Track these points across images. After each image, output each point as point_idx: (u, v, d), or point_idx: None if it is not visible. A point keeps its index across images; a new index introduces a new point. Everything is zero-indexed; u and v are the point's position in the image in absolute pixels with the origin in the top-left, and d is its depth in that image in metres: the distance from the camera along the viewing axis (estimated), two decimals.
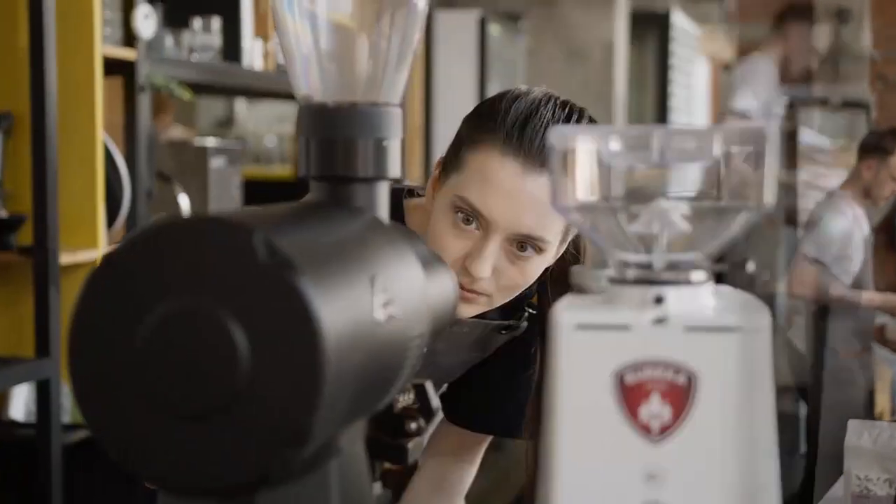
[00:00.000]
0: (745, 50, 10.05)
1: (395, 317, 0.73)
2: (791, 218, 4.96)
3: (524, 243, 1.29)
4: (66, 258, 2.50)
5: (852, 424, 2.07)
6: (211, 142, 3.24)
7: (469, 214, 1.29)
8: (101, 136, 2.59)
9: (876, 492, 2.00)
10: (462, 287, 1.30)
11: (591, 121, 1.38)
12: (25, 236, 2.48)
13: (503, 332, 1.48)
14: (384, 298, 0.72)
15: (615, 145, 0.73)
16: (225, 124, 5.85)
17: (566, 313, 0.72)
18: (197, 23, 3.12)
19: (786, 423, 4.93)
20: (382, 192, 0.85)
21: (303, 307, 0.62)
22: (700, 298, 0.72)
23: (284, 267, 0.62)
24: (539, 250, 1.29)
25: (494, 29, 5.01)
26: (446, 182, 1.32)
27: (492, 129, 1.29)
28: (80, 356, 0.65)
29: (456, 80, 4.71)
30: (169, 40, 3.04)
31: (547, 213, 1.27)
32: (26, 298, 2.49)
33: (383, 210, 0.85)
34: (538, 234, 1.28)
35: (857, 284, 4.39)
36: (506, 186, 1.26)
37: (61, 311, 2.46)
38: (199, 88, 3.32)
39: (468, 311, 1.34)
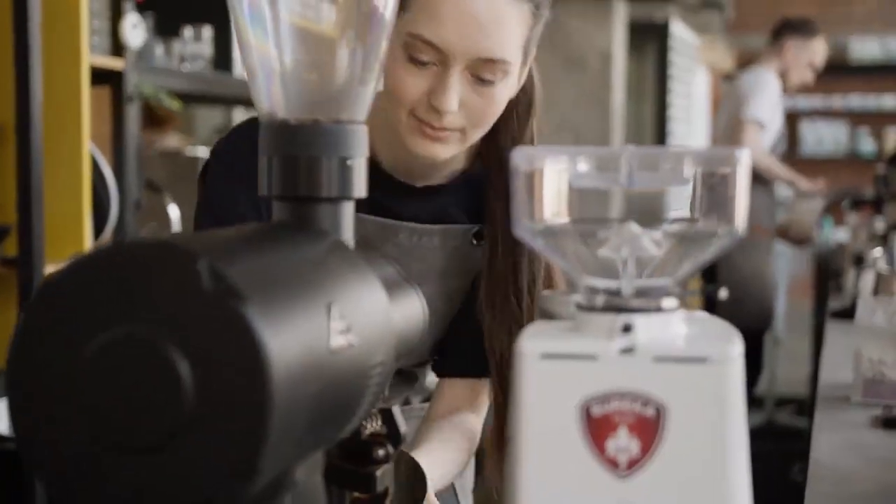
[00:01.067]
0: (744, 60, 10.05)
1: (353, 345, 0.70)
2: (783, 232, 4.97)
3: (485, 71, 1.25)
4: (51, 269, 2.47)
5: (864, 301, 1.96)
6: (203, 152, 3.22)
7: (423, 51, 1.24)
8: (87, 146, 2.57)
9: (891, 375, 1.88)
10: (432, 126, 1.27)
11: None
12: (10, 247, 2.45)
13: (476, 241, 1.41)
14: (342, 326, 0.69)
15: (582, 166, 0.71)
16: (223, 132, 5.83)
17: (531, 342, 0.69)
18: (188, 32, 3.10)
19: None
20: (347, 213, 0.83)
21: (248, 336, 0.59)
22: (670, 326, 0.70)
23: (230, 294, 0.60)
24: (503, 74, 1.25)
25: None
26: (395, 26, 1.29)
27: None
28: (19, 386, 0.63)
29: None
30: (159, 49, 3.01)
31: (503, 32, 1.23)
32: (10, 310, 2.46)
33: (348, 231, 0.82)
34: (498, 56, 1.23)
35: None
36: (455, 12, 1.22)
37: None
38: (189, 98, 3.30)
39: (444, 150, 1.30)
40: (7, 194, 2.48)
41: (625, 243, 0.71)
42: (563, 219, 0.72)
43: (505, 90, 1.27)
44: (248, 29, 0.82)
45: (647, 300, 0.70)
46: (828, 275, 4.75)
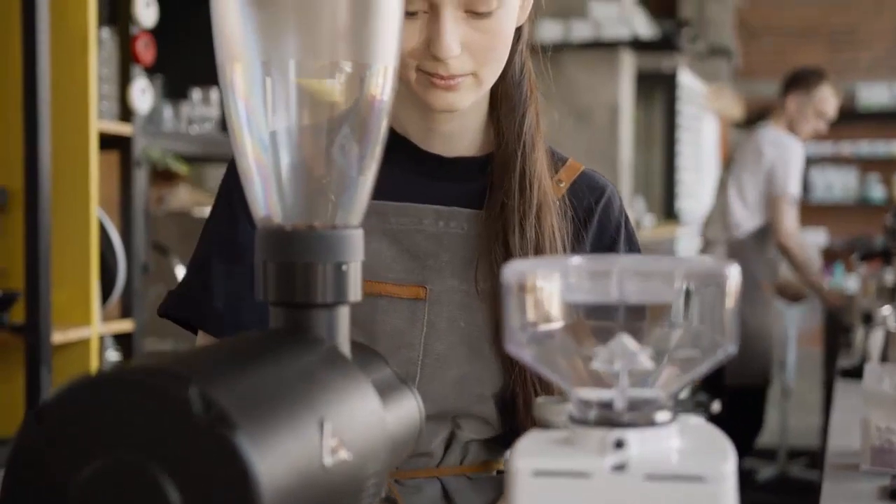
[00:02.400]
0: (753, 106, 10.08)
1: (347, 459, 0.70)
2: (780, 290, 4.95)
3: (478, 4, 1.15)
4: (58, 337, 2.47)
5: (870, 368, 1.92)
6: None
7: (408, 0, 1.15)
8: (95, 211, 2.58)
9: None
10: (440, 76, 1.17)
11: None
12: (18, 314, 2.46)
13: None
14: (335, 441, 0.69)
15: (573, 280, 0.71)
16: None
17: (524, 459, 0.69)
18: (196, 94, 3.12)
19: None
20: (343, 318, 0.83)
21: (239, 465, 0.59)
22: (664, 441, 0.69)
23: (221, 422, 0.60)
24: (499, 2, 1.16)
25: None
26: None
27: None
28: None
29: None
30: (168, 111, 3.03)
31: None
32: (18, 377, 2.46)
33: (343, 336, 0.82)
34: None
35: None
36: None
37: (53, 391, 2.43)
38: (197, 159, 3.32)
39: (461, 98, 1.19)
40: (15, 261, 2.49)
41: (617, 357, 0.71)
42: (555, 332, 0.72)
43: (506, 19, 1.18)
44: (244, 134, 0.83)
45: (640, 414, 0.70)
46: (837, 329, 4.73)
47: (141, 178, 2.76)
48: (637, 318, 0.72)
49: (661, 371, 0.71)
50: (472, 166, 1.29)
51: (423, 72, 1.18)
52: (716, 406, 3.97)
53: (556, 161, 1.32)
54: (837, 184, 10.27)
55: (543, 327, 0.72)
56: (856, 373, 2.87)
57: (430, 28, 1.16)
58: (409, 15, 1.16)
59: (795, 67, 4.91)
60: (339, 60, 0.80)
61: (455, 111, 1.22)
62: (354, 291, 0.83)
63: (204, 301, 1.24)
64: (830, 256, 10.25)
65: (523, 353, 0.72)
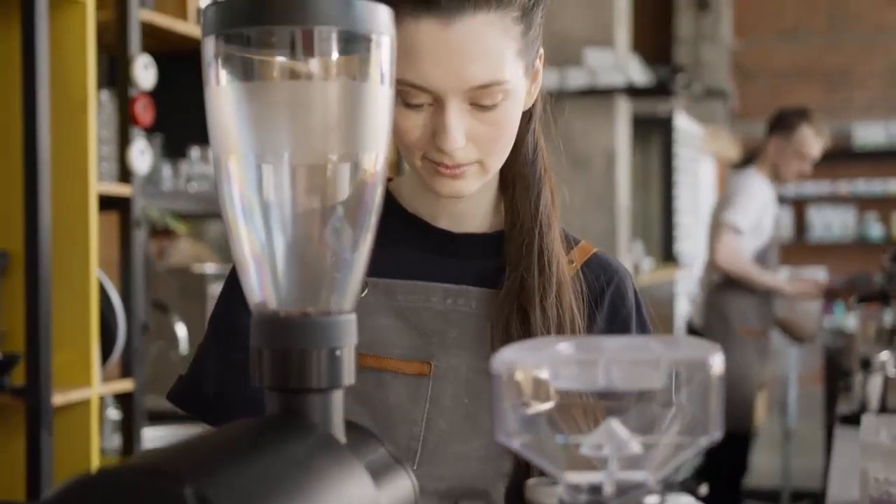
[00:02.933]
0: (749, 147, 10.14)
1: None
2: (784, 328, 4.96)
3: (483, 98, 1.15)
4: (59, 398, 2.48)
5: (867, 420, 1.92)
6: (210, 268, 3.25)
7: (413, 95, 1.16)
8: (95, 273, 2.60)
9: None
10: (445, 166, 1.18)
11: None
12: (18, 376, 2.47)
13: None
14: None
15: (561, 368, 0.72)
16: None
17: None
18: (195, 152, 3.15)
19: None
20: (337, 401, 0.84)
21: None
22: None
23: None
24: (503, 94, 1.16)
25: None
26: None
27: (399, 7, 1.17)
28: None
29: None
30: (167, 170, 3.06)
31: (489, 53, 1.14)
32: (18, 440, 2.47)
33: (337, 419, 0.84)
34: (492, 79, 1.15)
35: (761, 262, 4.51)
36: (432, 48, 1.14)
37: (53, 454, 2.44)
38: (197, 215, 3.34)
39: (466, 186, 1.20)
40: (15, 323, 2.51)
41: (606, 442, 0.72)
42: (544, 418, 0.74)
43: (512, 108, 1.19)
44: (238, 223, 0.85)
45: (629, 498, 0.71)
46: (837, 371, 4.74)
47: (140, 238, 2.78)
48: (625, 403, 0.74)
49: (649, 456, 0.72)
50: (481, 244, 1.30)
51: (428, 160, 1.20)
52: (703, 489, 3.98)
53: (569, 241, 1.33)
54: (836, 223, 10.31)
55: (532, 414, 0.74)
56: (855, 419, 2.87)
57: (435, 120, 1.17)
58: (416, 107, 1.17)
59: (779, 108, 4.93)
60: (331, 152, 0.83)
61: (461, 197, 1.23)
62: (348, 375, 0.84)
63: (201, 389, 1.28)
64: (830, 295, 10.27)
65: (513, 440, 0.73)
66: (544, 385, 0.73)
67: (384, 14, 0.83)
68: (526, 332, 1.22)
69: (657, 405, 0.74)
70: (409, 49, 1.14)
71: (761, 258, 4.60)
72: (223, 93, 0.82)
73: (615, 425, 0.72)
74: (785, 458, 6.05)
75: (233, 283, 1.32)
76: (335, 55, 0.81)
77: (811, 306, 4.75)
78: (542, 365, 0.73)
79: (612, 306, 1.31)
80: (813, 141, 4.61)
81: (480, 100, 1.16)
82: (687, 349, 0.75)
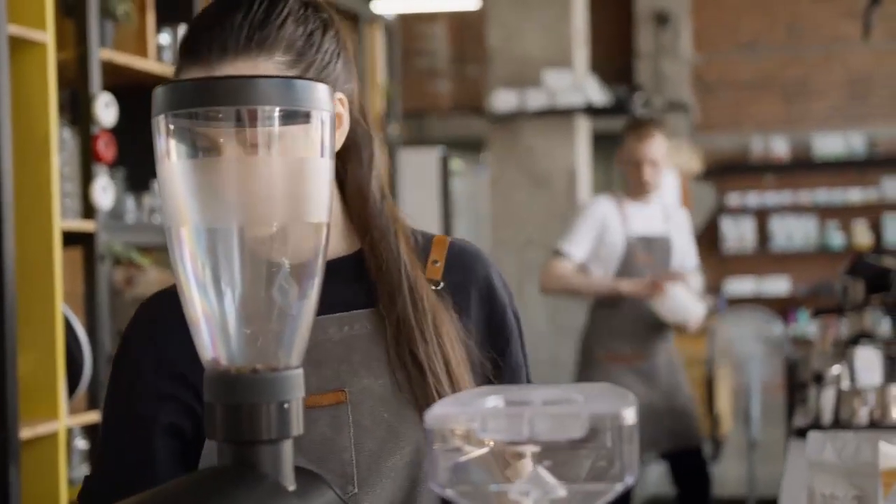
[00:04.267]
0: (711, 160, 10.26)
1: None
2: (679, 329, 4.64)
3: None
4: (26, 432, 2.52)
5: (813, 436, 1.97)
6: None
7: (199, 141, 1.18)
8: (60, 308, 2.64)
9: None
10: None
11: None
12: None
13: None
14: None
15: (490, 422, 0.79)
16: None
17: None
18: (157, 185, 3.20)
19: None
20: (286, 450, 0.90)
21: None
22: None
23: None
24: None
25: (456, 164, 5.12)
26: None
27: (179, 55, 1.25)
28: None
29: (421, 216, 4.80)
30: (130, 203, 3.11)
31: None
32: None
33: (287, 468, 0.90)
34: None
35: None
36: None
37: (22, 487, 2.47)
38: (161, 247, 3.39)
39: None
40: None
41: (534, 487, 0.78)
42: (474, 468, 0.80)
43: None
44: (191, 288, 0.91)
45: None
46: (796, 382, 4.82)
47: (104, 272, 2.83)
48: (550, 451, 0.80)
49: (572, 500, 0.79)
50: (346, 268, 1.33)
51: None
52: None
53: (424, 242, 1.38)
54: (798, 232, 10.44)
55: (464, 463, 0.80)
56: (808, 431, 2.94)
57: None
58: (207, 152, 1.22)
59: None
60: (276, 220, 0.89)
61: None
62: (297, 426, 0.90)
63: (114, 489, 1.27)
64: (793, 303, 10.41)
65: (446, 490, 0.79)
66: (473, 437, 0.79)
67: (323, 92, 0.90)
68: (416, 361, 1.29)
69: (579, 453, 0.80)
70: None
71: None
72: (174, 168, 0.88)
73: (542, 472, 0.79)
74: (749, 466, 6.13)
75: (122, 367, 1.32)
76: (277, 131, 0.88)
77: (670, 305, 4.26)
78: (471, 419, 0.79)
79: (483, 292, 1.38)
80: (633, 149, 4.22)
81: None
82: (604, 401, 0.81)
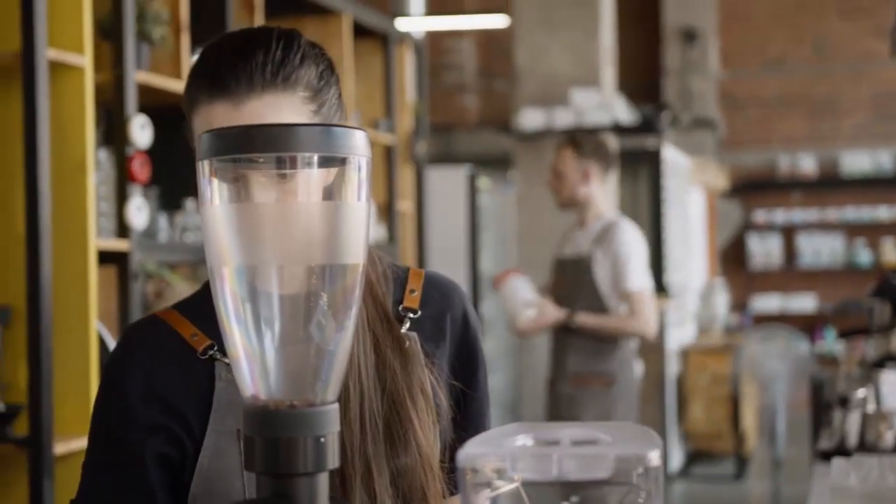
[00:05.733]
0: (738, 176, 10.26)
1: None
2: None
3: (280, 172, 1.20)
4: (60, 448, 2.57)
5: (837, 463, 1.98)
6: None
7: None
8: (94, 325, 2.69)
9: None
10: None
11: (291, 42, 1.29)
12: (21, 427, 2.56)
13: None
14: None
15: (519, 462, 0.82)
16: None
17: None
18: (190, 204, 3.25)
19: None
20: (322, 483, 0.94)
21: None
22: None
23: None
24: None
25: (483, 182, 5.15)
26: None
27: (195, 89, 1.26)
28: None
29: (448, 233, 4.84)
30: (163, 222, 3.16)
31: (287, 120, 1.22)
32: (21, 489, 2.55)
33: (323, 499, 0.93)
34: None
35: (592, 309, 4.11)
36: (222, 125, 1.21)
37: (55, 502, 2.52)
38: (192, 265, 3.44)
39: None
40: (18, 375, 2.59)
41: None
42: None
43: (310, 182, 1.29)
44: (232, 326, 0.94)
45: None
46: (821, 402, 4.81)
47: (137, 290, 2.88)
48: (577, 488, 0.83)
49: None
50: None
51: None
52: None
53: (401, 273, 1.40)
54: (825, 249, 10.42)
55: (495, 502, 0.83)
56: (834, 455, 2.94)
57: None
58: None
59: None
60: (314, 261, 0.92)
61: None
62: (332, 459, 0.94)
63: None
64: (820, 321, 10.39)
65: None
66: (504, 477, 0.83)
67: (360, 138, 0.93)
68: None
69: (606, 492, 0.83)
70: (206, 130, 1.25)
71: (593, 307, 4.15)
72: (217, 211, 0.92)
73: None
74: (775, 485, 6.13)
75: (111, 391, 1.32)
76: (316, 177, 0.91)
77: (507, 295, 4.10)
78: (502, 458, 0.82)
79: (458, 321, 1.40)
80: (555, 156, 4.25)
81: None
82: (631, 442, 0.84)
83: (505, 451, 0.82)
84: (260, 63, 1.24)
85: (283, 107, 1.25)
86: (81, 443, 2.66)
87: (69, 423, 2.65)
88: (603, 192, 4.22)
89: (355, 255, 0.94)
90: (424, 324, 1.37)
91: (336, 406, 0.95)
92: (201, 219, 0.94)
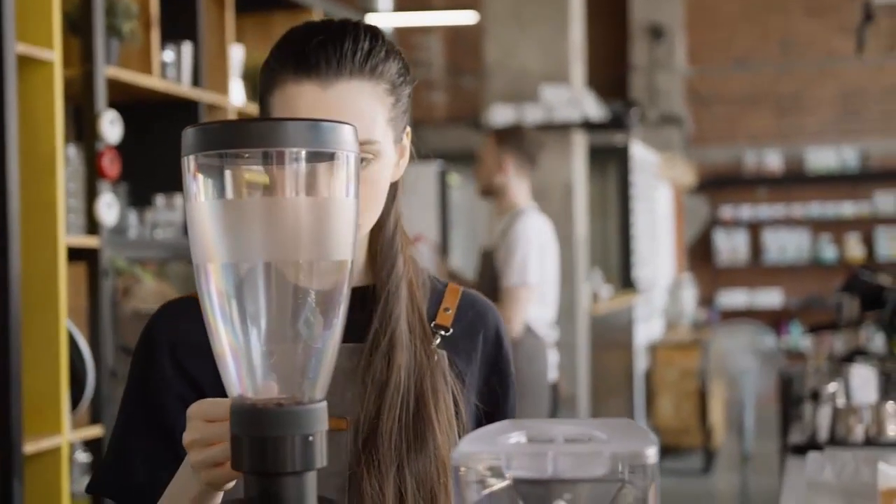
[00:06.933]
0: (705, 172, 10.31)
1: None
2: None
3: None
4: (30, 447, 2.54)
5: (812, 457, 1.99)
6: None
7: None
8: (64, 323, 2.66)
9: None
10: None
11: (373, 33, 1.29)
12: None
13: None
14: None
15: (514, 461, 0.81)
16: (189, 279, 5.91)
17: None
18: (160, 200, 3.22)
19: None
20: (310, 482, 0.92)
21: None
22: None
23: None
24: (373, 154, 1.25)
25: (453, 179, 5.13)
26: None
27: (279, 67, 1.26)
28: None
29: (418, 229, 4.83)
30: (133, 218, 3.12)
31: (364, 115, 1.24)
32: None
33: (311, 499, 0.92)
34: (365, 138, 1.21)
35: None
36: (310, 108, 1.23)
37: (25, 501, 2.49)
38: (162, 262, 3.41)
39: None
40: None
41: None
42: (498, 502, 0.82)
43: (382, 170, 1.28)
44: (218, 323, 0.93)
45: None
46: (790, 396, 4.83)
47: (107, 288, 2.85)
48: (574, 487, 0.82)
49: None
50: (354, 297, 1.36)
51: None
52: None
53: (440, 287, 1.41)
54: (790, 245, 10.48)
55: (488, 499, 0.82)
56: (805, 449, 2.96)
57: None
58: None
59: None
60: (302, 258, 0.91)
61: None
62: (321, 458, 0.93)
63: (132, 477, 1.28)
64: (785, 316, 10.46)
65: None
66: (498, 475, 0.82)
67: (348, 133, 0.92)
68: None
69: (599, 489, 0.82)
70: (290, 109, 1.24)
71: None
72: (202, 207, 0.91)
73: None
74: (743, 479, 6.16)
75: (147, 356, 1.32)
76: (303, 172, 0.90)
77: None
78: (496, 456, 0.82)
79: (491, 340, 1.40)
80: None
81: None
82: (626, 440, 0.83)
83: (500, 449, 0.81)
84: (349, 50, 1.25)
85: (368, 93, 1.26)
86: (51, 442, 2.63)
87: (39, 422, 2.62)
88: (520, 184, 4.23)
89: (343, 251, 0.93)
90: (456, 342, 1.37)
91: (324, 404, 0.93)
92: (186, 214, 0.93)
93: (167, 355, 1.31)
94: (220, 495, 1.15)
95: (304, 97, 1.23)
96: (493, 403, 1.39)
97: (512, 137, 4.22)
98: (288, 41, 1.27)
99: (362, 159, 1.24)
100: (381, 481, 1.25)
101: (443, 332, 1.35)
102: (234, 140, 0.90)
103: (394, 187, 1.36)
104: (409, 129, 1.36)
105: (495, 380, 1.40)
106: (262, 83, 1.29)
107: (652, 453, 0.79)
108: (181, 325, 1.30)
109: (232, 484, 1.08)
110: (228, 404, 0.98)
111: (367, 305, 1.33)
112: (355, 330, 1.30)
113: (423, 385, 1.30)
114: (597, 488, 0.81)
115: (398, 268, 1.34)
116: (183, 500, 1.14)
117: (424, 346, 1.32)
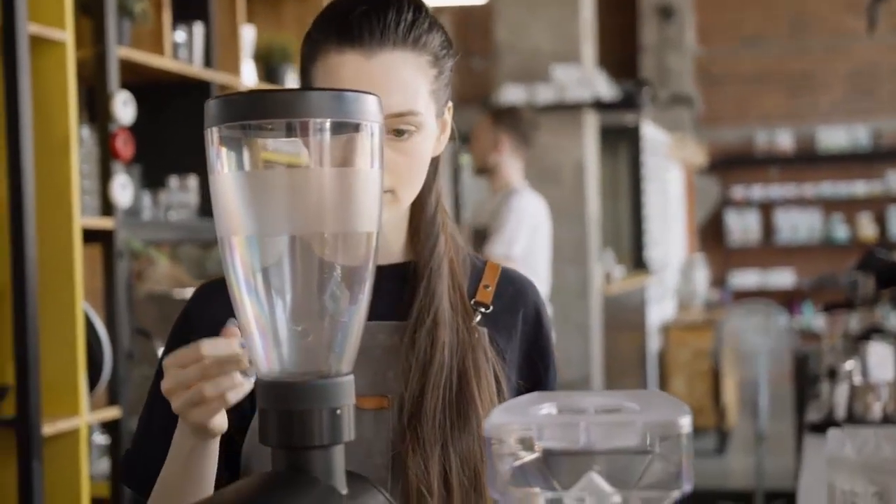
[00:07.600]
0: (716, 152, 10.27)
1: None
2: None
3: (398, 125, 1.23)
4: (48, 428, 2.54)
5: (833, 434, 1.97)
6: (189, 293, 3.30)
7: None
8: (81, 305, 2.66)
9: None
10: None
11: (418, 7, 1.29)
12: (8, 407, 2.52)
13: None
14: None
15: (546, 431, 0.80)
16: (204, 261, 5.90)
17: None
18: (174, 182, 3.21)
19: None
20: (338, 455, 0.92)
21: None
22: None
23: None
24: (416, 126, 1.24)
25: (465, 159, 5.12)
26: None
27: (322, 38, 1.25)
28: None
29: None
30: (147, 199, 3.12)
31: (408, 86, 1.24)
32: (10, 469, 2.52)
33: (339, 472, 0.91)
34: (408, 108, 1.23)
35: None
36: (353, 78, 1.22)
37: (44, 482, 2.49)
38: (176, 243, 3.41)
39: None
40: (4, 355, 2.56)
41: (588, 494, 0.80)
42: (531, 474, 0.81)
43: (424, 143, 1.27)
44: (243, 296, 0.92)
45: None
46: (804, 376, 4.82)
47: (123, 269, 2.85)
48: (605, 458, 0.81)
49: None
50: (395, 275, 1.34)
51: None
52: None
53: (479, 265, 1.39)
54: (802, 225, 10.45)
55: (520, 470, 0.81)
56: (823, 427, 2.95)
57: None
58: None
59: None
60: (326, 230, 0.90)
61: None
62: (348, 431, 0.92)
63: (149, 470, 1.27)
64: (798, 296, 10.44)
65: (505, 497, 0.81)
66: (531, 445, 0.81)
67: (373, 103, 0.91)
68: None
69: (631, 460, 0.81)
70: (333, 80, 1.23)
71: None
72: (226, 179, 0.90)
73: (596, 478, 0.80)
74: (758, 458, 6.15)
75: (183, 339, 1.27)
76: (328, 143, 0.89)
77: None
78: (528, 427, 0.81)
79: (531, 318, 1.39)
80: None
81: (396, 126, 1.24)
82: (659, 410, 0.82)
83: (531, 420, 0.81)
84: (393, 20, 1.24)
85: (411, 64, 1.25)
86: (69, 423, 2.64)
87: (57, 404, 2.62)
88: (514, 164, 4.24)
89: (369, 223, 0.92)
90: (497, 319, 1.35)
91: (351, 378, 0.93)
92: (210, 187, 0.92)
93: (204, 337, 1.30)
94: (214, 449, 1.15)
95: (347, 67, 1.22)
96: (534, 380, 1.38)
97: (508, 117, 4.25)
98: (331, 11, 1.26)
99: (404, 131, 1.24)
100: (426, 460, 1.24)
101: (483, 310, 1.34)
102: (257, 111, 0.89)
103: (435, 162, 1.34)
104: (450, 104, 1.34)
105: (536, 356, 1.39)
106: (304, 54, 1.28)
107: (686, 423, 0.78)
108: (217, 307, 1.29)
109: (224, 427, 1.10)
110: (199, 347, 1.02)
111: (407, 282, 1.32)
112: (396, 307, 1.31)
113: (465, 363, 1.29)
114: (628, 459, 0.81)
115: (440, 245, 1.33)
116: (179, 460, 1.16)
117: (466, 324, 1.31)
